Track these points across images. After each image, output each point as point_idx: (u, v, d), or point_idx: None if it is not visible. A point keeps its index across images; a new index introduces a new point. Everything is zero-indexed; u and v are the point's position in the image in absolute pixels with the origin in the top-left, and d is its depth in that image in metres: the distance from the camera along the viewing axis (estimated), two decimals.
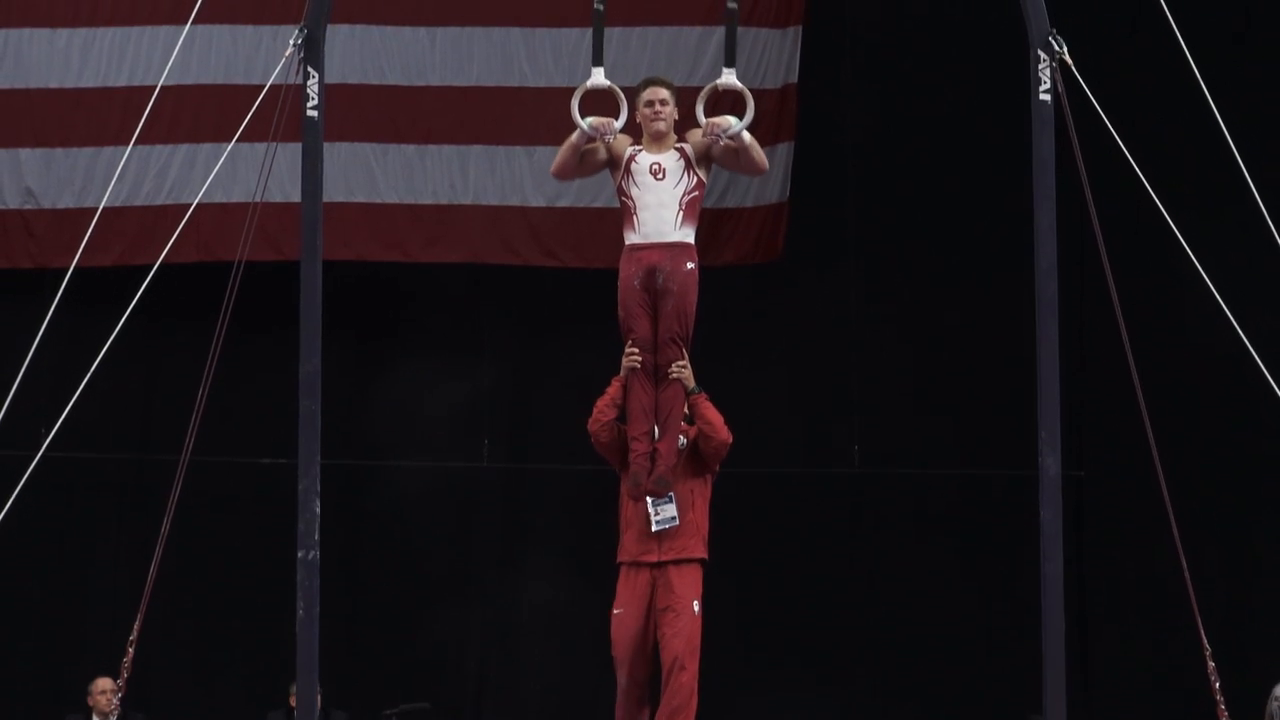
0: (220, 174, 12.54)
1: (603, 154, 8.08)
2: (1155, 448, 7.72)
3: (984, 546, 13.79)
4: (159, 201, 13.48)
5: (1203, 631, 7.70)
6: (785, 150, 13.91)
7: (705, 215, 12.42)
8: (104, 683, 12.34)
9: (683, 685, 8.04)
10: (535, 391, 14.45)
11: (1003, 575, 13.48)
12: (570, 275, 13.76)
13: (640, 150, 8.06)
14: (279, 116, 7.79)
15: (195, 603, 13.80)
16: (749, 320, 13.44)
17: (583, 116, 7.98)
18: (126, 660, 7.87)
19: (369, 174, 13.87)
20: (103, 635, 12.67)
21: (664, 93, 8.08)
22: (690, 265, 8.02)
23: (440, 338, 14.37)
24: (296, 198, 8.21)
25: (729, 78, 8.06)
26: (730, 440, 8.21)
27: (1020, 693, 11.63)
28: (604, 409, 8.17)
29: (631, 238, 8.03)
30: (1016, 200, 8.34)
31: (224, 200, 13.10)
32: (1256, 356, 8.03)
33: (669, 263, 7.96)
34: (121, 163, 11.28)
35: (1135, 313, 8.08)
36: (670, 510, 8.12)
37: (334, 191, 13.57)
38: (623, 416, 8.13)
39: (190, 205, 9.82)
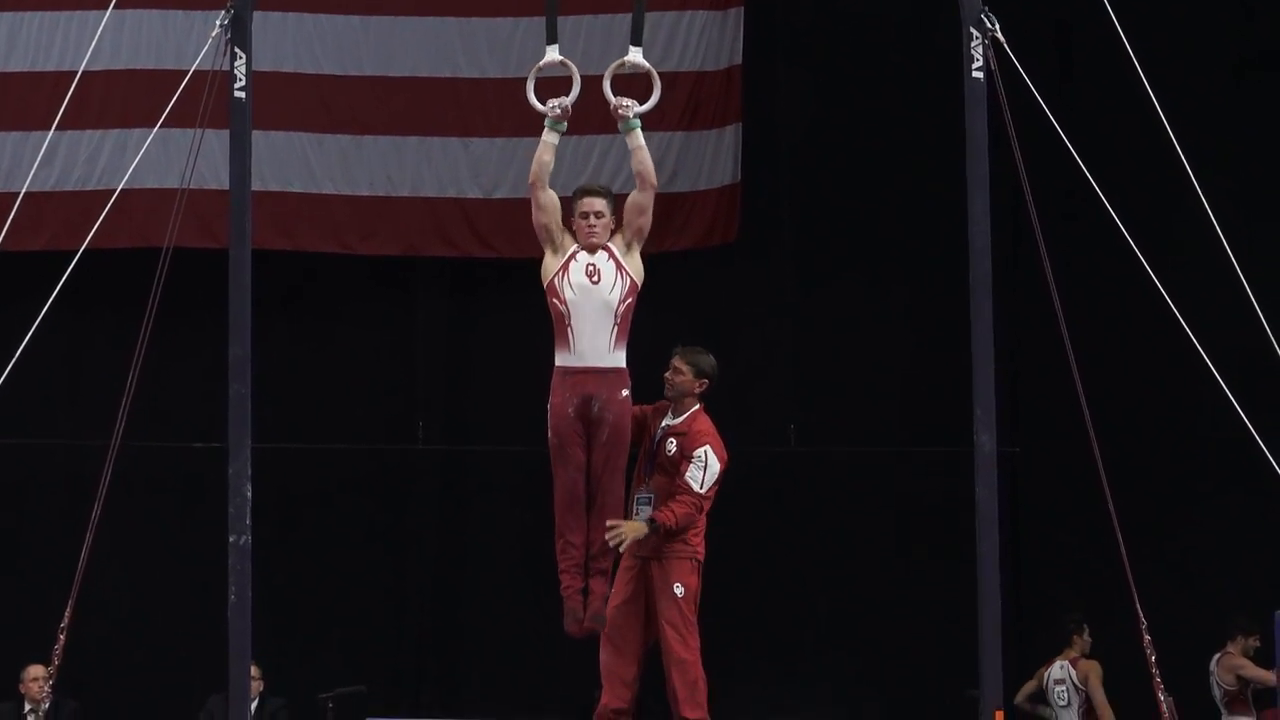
0: (154, 159, 12.54)
1: (555, 199, 8.00)
2: (1091, 424, 7.75)
3: (920, 524, 13.83)
4: (90, 187, 13.41)
5: (1139, 606, 7.73)
6: (733, 132, 13.94)
7: (656, 201, 12.47)
8: (35, 670, 12.27)
9: (682, 661, 8.08)
10: (471, 372, 14.42)
11: (938, 553, 13.51)
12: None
13: (580, 249, 7.94)
14: (207, 99, 7.72)
15: (129, 589, 13.74)
16: (685, 301, 13.42)
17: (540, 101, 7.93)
18: (58, 647, 7.82)
19: (305, 164, 13.82)
20: (34, 622, 12.56)
21: (599, 204, 7.97)
22: (625, 393, 7.94)
23: (374, 317, 14.35)
24: None
25: (635, 56, 8.00)
26: (705, 494, 8.20)
27: (957, 669, 11.64)
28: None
29: (566, 358, 7.92)
30: (952, 181, 8.34)
31: (157, 186, 13.03)
32: (1191, 334, 8.05)
33: (605, 392, 7.88)
34: (43, 147, 11.20)
35: (1070, 290, 8.10)
36: (647, 513, 8.19)
37: (271, 181, 13.54)
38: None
39: (121, 190, 9.71)
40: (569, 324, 7.90)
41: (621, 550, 8.02)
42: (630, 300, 7.93)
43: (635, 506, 8.27)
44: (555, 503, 8.04)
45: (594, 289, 7.88)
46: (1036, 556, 13.90)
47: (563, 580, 8.03)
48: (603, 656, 8.30)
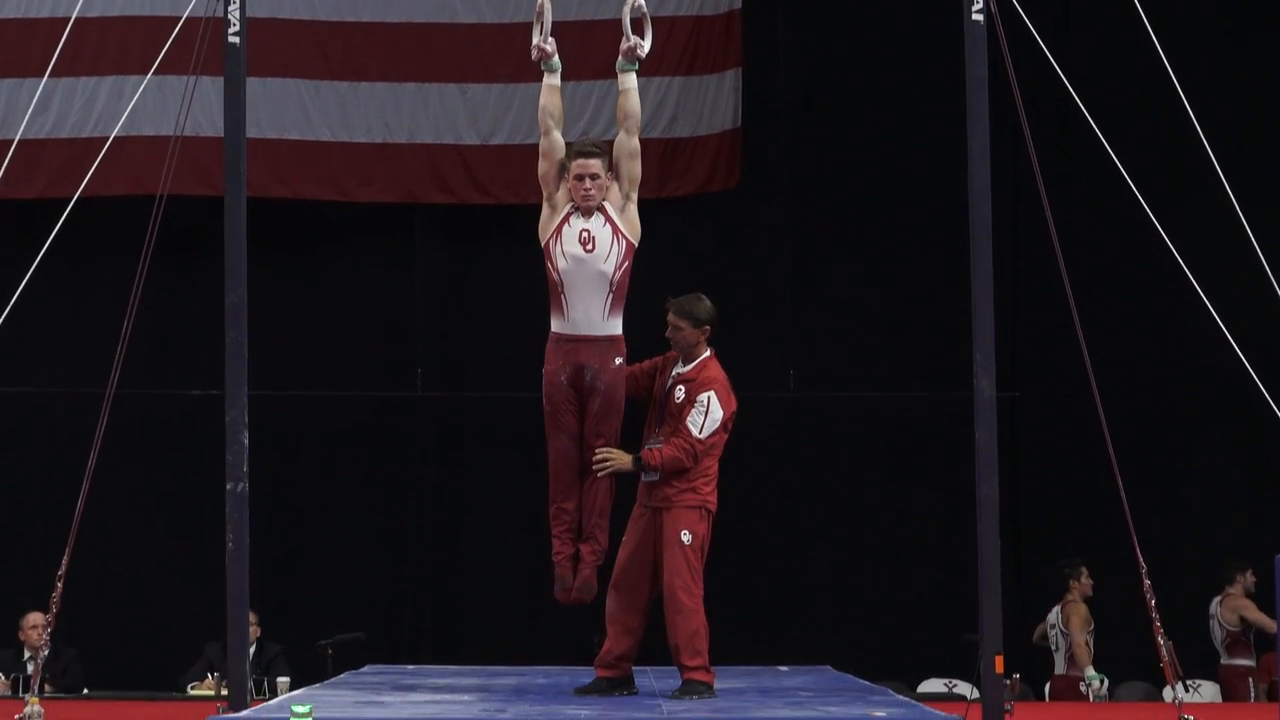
0: (149, 107, 12.50)
1: (560, 147, 7.94)
2: (1090, 368, 7.74)
3: (919, 469, 13.83)
4: (85, 134, 13.37)
5: (1138, 550, 7.74)
6: (733, 77, 13.90)
7: (655, 146, 12.37)
8: (34, 617, 12.28)
9: (684, 608, 8.05)
10: (470, 319, 14.41)
11: (938, 497, 13.53)
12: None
13: (575, 210, 7.89)
14: (201, 46, 7.69)
15: (127, 536, 13.76)
16: (684, 247, 13.40)
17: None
18: (56, 595, 7.82)
19: (302, 111, 13.78)
20: (33, 570, 12.58)
21: (594, 165, 7.87)
22: (619, 361, 7.92)
23: (373, 264, 14.33)
24: None
25: None
26: (703, 439, 8.17)
27: (956, 614, 11.67)
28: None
29: (560, 325, 7.90)
30: (952, 125, 8.31)
31: (152, 133, 13.01)
32: (1190, 275, 8.04)
33: (597, 361, 7.85)
34: (37, 94, 11.16)
35: (1069, 234, 8.08)
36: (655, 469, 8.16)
37: (268, 128, 13.51)
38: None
39: (116, 138, 9.68)
40: (562, 292, 7.87)
41: (600, 475, 7.99)
42: (626, 264, 7.88)
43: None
44: (549, 469, 8.03)
45: (588, 259, 7.83)
46: (1035, 501, 13.90)
47: (555, 545, 8.03)
48: (609, 602, 8.29)
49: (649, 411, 8.31)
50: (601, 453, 7.95)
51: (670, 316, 8.24)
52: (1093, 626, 12.76)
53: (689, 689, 8.04)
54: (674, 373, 8.23)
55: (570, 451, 7.98)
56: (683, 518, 8.14)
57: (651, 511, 8.21)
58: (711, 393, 8.16)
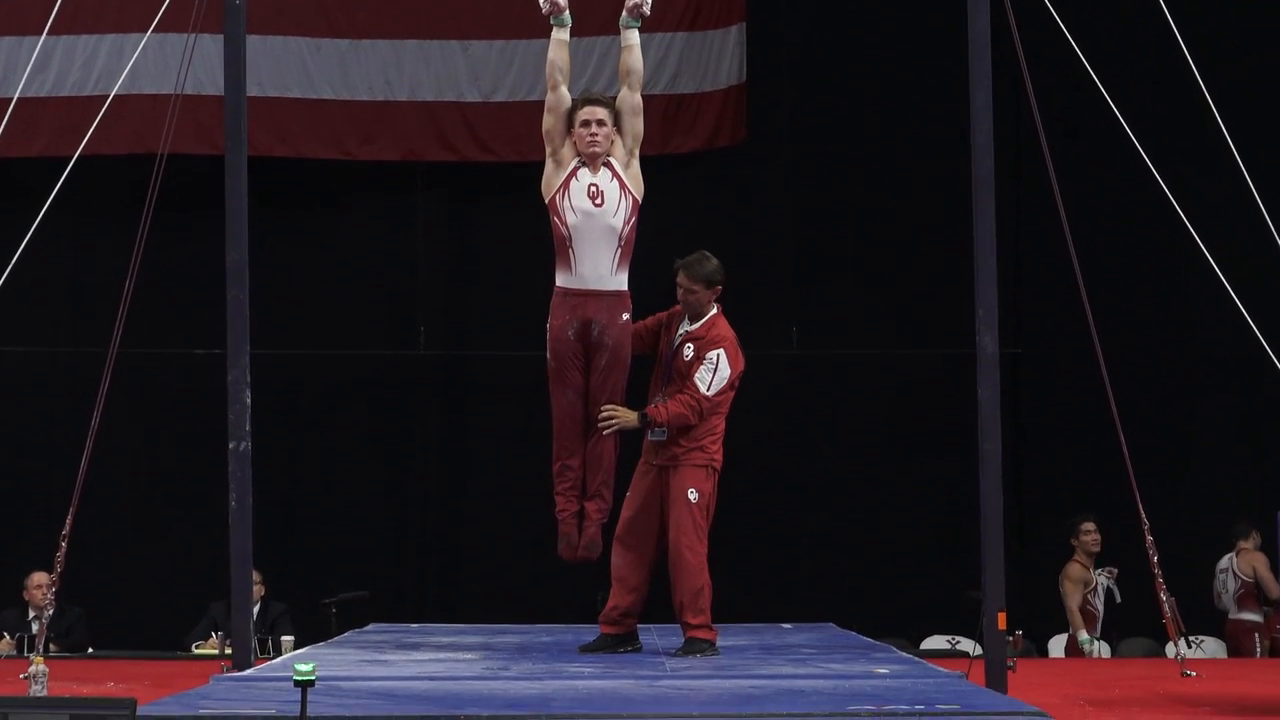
0: (150, 65, 12.47)
1: (566, 102, 7.94)
2: (1093, 325, 7.73)
3: (922, 426, 13.83)
4: (85, 92, 13.33)
5: (1141, 508, 7.75)
6: (737, 32, 13.87)
7: (659, 103, 12.34)
8: (39, 577, 12.29)
9: (688, 565, 8.06)
10: (472, 277, 14.40)
11: (941, 454, 13.52)
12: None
13: (581, 165, 7.90)
14: (200, 3, 7.68)
15: (130, 495, 13.77)
16: (683, 203, 13.37)
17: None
18: (60, 554, 7.83)
19: (303, 69, 13.74)
20: (37, 530, 12.60)
21: (601, 112, 7.90)
22: (625, 317, 7.92)
23: (374, 222, 14.32)
24: None
25: None
26: (711, 396, 8.17)
27: (958, 570, 11.67)
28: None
29: (567, 279, 7.89)
30: (953, 81, 8.30)
31: (153, 91, 12.98)
32: (1193, 231, 8.03)
33: (605, 315, 7.85)
34: (36, 51, 11.13)
35: (1072, 192, 8.07)
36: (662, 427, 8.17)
37: (269, 87, 13.48)
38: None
39: (116, 96, 9.65)
40: (570, 246, 7.86)
41: (605, 433, 7.99)
42: (634, 220, 7.90)
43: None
44: (554, 426, 8.02)
45: (597, 213, 7.83)
46: (1038, 459, 13.90)
47: (558, 503, 8.04)
48: (614, 559, 8.30)
49: (654, 369, 8.32)
50: (607, 409, 7.95)
51: (682, 279, 8.22)
52: (1094, 585, 12.74)
53: (692, 646, 8.06)
54: (681, 330, 8.23)
55: (575, 407, 7.97)
56: (689, 476, 8.15)
57: (658, 469, 8.22)
58: (721, 350, 8.16)
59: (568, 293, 7.91)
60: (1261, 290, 8.70)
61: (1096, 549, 12.76)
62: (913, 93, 13.90)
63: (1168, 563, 7.87)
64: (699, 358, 8.14)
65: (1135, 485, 7.60)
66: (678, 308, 8.28)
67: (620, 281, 7.91)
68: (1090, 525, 12.73)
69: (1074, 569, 12.75)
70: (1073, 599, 12.70)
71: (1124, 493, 7.75)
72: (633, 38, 7.96)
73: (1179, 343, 13.92)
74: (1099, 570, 12.69)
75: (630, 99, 7.95)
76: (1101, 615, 12.70)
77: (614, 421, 7.97)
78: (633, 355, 8.10)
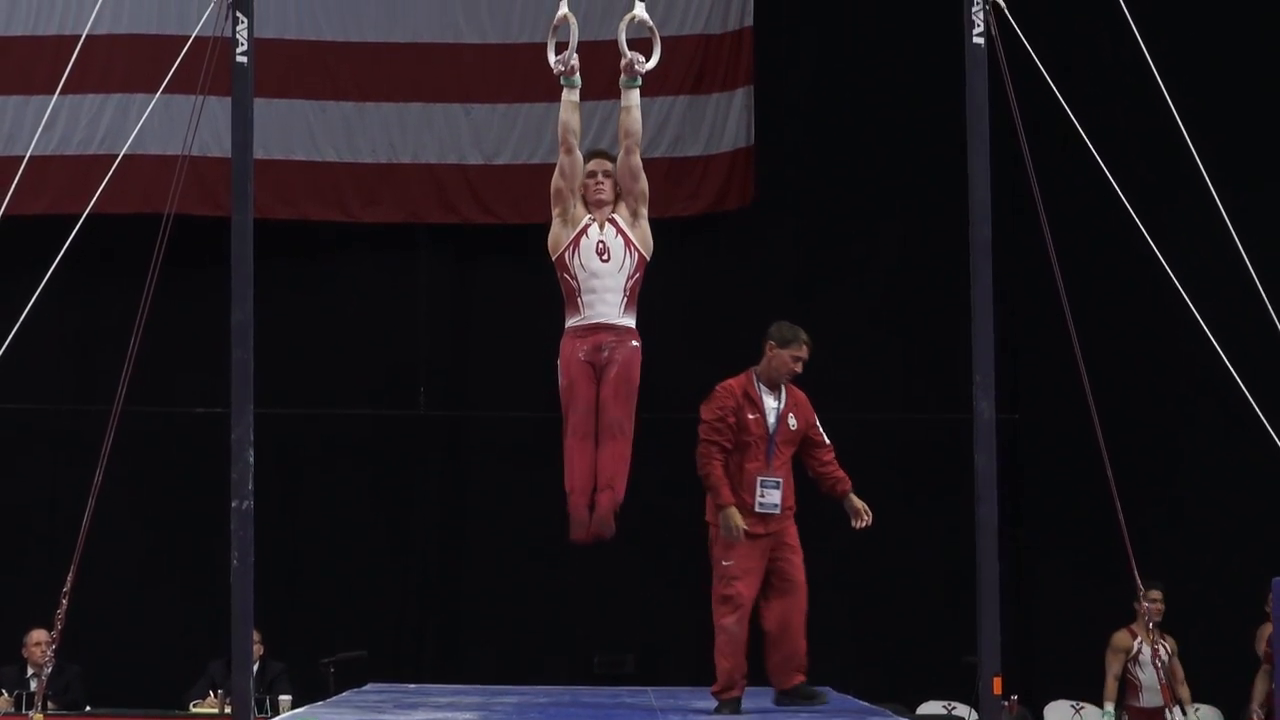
0: (156, 125, 12.54)
1: (580, 165, 8.04)
2: (1090, 391, 7.76)
3: (919, 490, 13.83)
4: (91, 151, 13.41)
5: (1136, 574, 7.76)
6: (744, 95, 13.93)
7: (660, 165, 12.45)
8: (38, 634, 12.31)
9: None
10: (473, 339, 14.44)
11: (938, 518, 13.53)
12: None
13: (591, 222, 8.00)
14: (208, 65, 7.72)
15: (131, 554, 13.78)
16: (685, 267, 13.43)
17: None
18: (60, 612, 7.84)
19: (308, 131, 13.84)
20: (37, 586, 12.61)
21: (608, 164, 8.07)
22: (635, 344, 7.98)
23: (377, 283, 14.37)
24: None
25: (639, 10, 8.00)
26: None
27: (955, 635, 11.68)
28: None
29: (577, 320, 7.97)
30: (952, 146, 8.35)
31: (159, 152, 13.05)
32: (1188, 299, 8.06)
33: (614, 338, 7.92)
34: (46, 112, 11.20)
35: (1069, 255, 8.11)
36: (775, 496, 8.93)
37: (274, 149, 13.55)
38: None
39: (123, 156, 9.71)
40: (579, 296, 7.95)
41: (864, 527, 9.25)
42: (638, 275, 8.00)
43: (760, 489, 8.92)
44: (565, 444, 7.98)
45: (604, 268, 7.93)
46: (1036, 523, 13.90)
47: (570, 499, 7.99)
48: (735, 627, 8.84)
49: (748, 450, 8.84)
50: (860, 519, 9.30)
51: (805, 351, 8.84)
52: (1136, 653, 12.52)
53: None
54: (774, 406, 8.84)
55: (587, 422, 7.92)
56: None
57: (761, 539, 9.00)
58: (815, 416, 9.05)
59: (577, 329, 7.98)
60: (1258, 354, 8.73)
61: (1158, 618, 12.18)
62: (910, 156, 13.96)
63: (1167, 621, 7.87)
64: (808, 424, 9.03)
65: (1130, 551, 7.61)
66: (731, 384, 8.74)
67: (628, 321, 8.01)
68: (1156, 594, 12.07)
69: (1118, 636, 12.57)
70: (1111, 667, 12.52)
71: (1121, 556, 7.76)
72: (633, 98, 8.01)
73: (1176, 404, 13.93)
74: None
75: (627, 162, 8.01)
76: (1143, 684, 12.44)
77: (868, 519, 9.12)
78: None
